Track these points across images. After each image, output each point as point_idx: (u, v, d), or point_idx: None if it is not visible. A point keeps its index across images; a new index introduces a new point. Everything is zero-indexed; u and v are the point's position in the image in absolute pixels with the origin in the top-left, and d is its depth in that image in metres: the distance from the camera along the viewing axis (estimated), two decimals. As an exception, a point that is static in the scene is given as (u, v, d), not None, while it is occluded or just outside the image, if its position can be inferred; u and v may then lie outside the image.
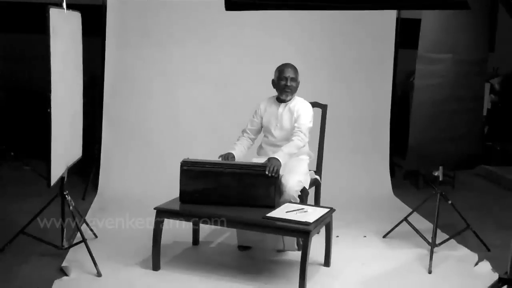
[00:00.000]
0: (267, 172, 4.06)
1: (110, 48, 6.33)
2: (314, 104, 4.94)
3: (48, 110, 3.71)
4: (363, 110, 6.73)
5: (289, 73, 4.55)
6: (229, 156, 4.45)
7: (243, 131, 4.77)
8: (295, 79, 4.57)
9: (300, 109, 4.55)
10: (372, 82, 6.75)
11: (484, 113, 7.16)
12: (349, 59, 6.67)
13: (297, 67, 4.64)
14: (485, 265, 4.37)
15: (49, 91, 3.70)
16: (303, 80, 4.72)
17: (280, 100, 4.64)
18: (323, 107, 5.06)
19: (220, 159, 4.41)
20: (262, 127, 4.73)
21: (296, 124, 4.49)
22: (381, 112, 6.80)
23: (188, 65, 6.47)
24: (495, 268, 4.27)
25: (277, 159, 4.19)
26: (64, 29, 4.06)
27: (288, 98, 4.59)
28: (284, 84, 4.55)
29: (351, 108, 6.66)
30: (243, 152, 4.64)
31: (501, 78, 8.24)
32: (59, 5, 4.00)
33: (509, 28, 6.07)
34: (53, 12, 3.74)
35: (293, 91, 4.58)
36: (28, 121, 7.31)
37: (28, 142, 6.88)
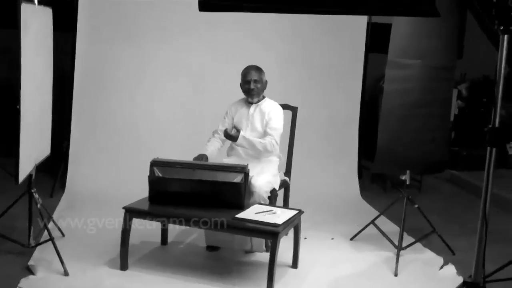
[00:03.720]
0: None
1: (81, 44, 6.27)
2: (285, 106, 4.96)
3: (17, 107, 3.67)
4: (333, 113, 6.78)
5: (251, 76, 4.59)
6: (202, 157, 4.46)
7: (214, 132, 4.79)
8: (259, 81, 4.60)
9: (272, 111, 4.58)
10: (342, 85, 6.81)
11: (451, 119, 7.27)
12: (320, 62, 6.72)
13: (268, 68, 4.67)
14: (450, 269, 4.43)
15: (19, 87, 3.66)
16: (274, 82, 4.75)
17: (249, 101, 4.68)
18: (294, 109, 5.09)
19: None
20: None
21: (268, 130, 4.52)
22: (351, 115, 6.86)
23: (160, 63, 6.45)
24: (459, 271, 4.33)
25: (238, 134, 4.38)
26: (35, 25, 4.02)
27: (255, 100, 4.64)
28: (248, 87, 4.60)
29: (321, 111, 6.71)
30: (215, 154, 4.66)
31: (468, 84, 8.36)
32: (31, 0, 3.96)
33: (477, 35, 6.19)
34: (25, 7, 3.70)
35: (259, 92, 4.62)
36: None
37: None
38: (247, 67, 4.65)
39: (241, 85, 4.66)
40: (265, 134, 4.55)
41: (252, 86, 4.58)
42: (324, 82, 6.74)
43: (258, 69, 4.63)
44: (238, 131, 4.37)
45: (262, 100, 4.67)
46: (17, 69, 3.66)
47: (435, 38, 4.65)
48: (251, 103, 4.66)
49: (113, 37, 6.35)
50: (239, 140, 4.37)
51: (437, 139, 4.87)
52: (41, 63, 4.29)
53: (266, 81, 4.66)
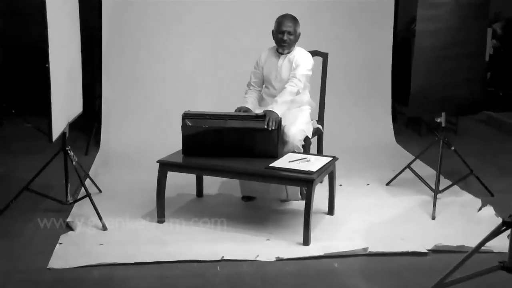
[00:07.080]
0: (266, 127, 4.02)
1: (107, 1, 6.24)
2: (315, 53, 4.89)
3: (47, 65, 3.67)
4: (365, 58, 6.68)
5: (286, 27, 4.43)
6: (242, 109, 4.40)
7: (248, 84, 4.69)
8: (293, 33, 4.45)
9: (299, 59, 4.46)
10: (373, 30, 6.68)
11: (486, 59, 7.10)
12: (349, 6, 6.59)
13: (298, 14, 4.55)
14: (489, 210, 4.38)
15: (47, 46, 3.65)
16: (304, 28, 4.63)
17: (279, 51, 4.58)
18: (324, 56, 5.01)
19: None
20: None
21: (291, 76, 4.43)
22: (383, 59, 6.75)
23: (188, 17, 6.39)
24: (498, 212, 4.29)
25: (272, 111, 4.12)
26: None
27: (286, 52, 4.52)
28: (281, 38, 4.47)
29: (352, 56, 6.61)
30: (255, 104, 4.58)
31: (503, 22, 8.14)
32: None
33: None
34: (48, -36, 3.66)
35: (290, 44, 4.49)
36: (27, 77, 7.24)
37: (28, 99, 6.84)
38: (284, 15, 4.50)
39: (274, 33, 4.52)
40: None
41: (285, 37, 4.44)
42: (355, 27, 6.63)
43: (294, 20, 4.47)
44: (264, 115, 4.11)
45: (292, 50, 4.56)
46: (43, 27, 3.64)
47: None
48: (281, 53, 4.57)
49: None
50: (279, 112, 4.21)
51: (472, 80, 4.76)
52: (67, 21, 4.27)
53: (300, 33, 4.52)
